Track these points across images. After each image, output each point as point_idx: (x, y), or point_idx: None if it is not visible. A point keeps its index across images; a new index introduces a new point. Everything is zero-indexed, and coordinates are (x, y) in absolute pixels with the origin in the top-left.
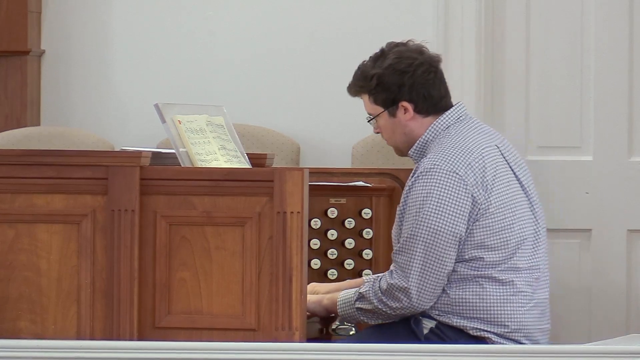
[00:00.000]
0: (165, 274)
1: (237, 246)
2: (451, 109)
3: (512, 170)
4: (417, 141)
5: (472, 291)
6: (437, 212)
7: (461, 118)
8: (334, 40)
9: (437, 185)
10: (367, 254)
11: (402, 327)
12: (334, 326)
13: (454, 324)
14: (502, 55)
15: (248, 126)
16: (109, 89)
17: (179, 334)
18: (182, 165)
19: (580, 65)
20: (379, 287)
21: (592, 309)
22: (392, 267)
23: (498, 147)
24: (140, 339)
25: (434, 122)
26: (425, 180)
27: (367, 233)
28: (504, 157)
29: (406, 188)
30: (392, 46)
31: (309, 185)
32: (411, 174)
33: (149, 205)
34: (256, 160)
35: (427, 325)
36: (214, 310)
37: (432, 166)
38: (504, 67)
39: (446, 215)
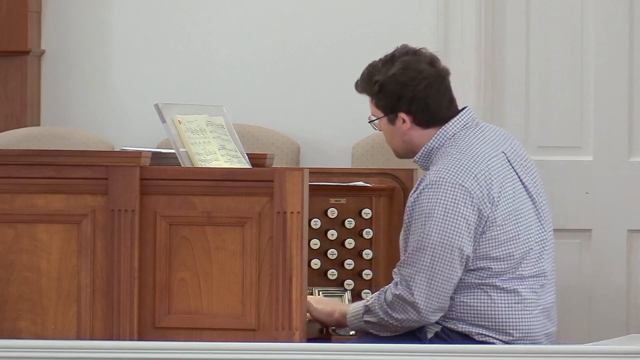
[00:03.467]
0: (165, 274)
1: (237, 246)
2: (457, 116)
3: (519, 177)
4: (423, 148)
5: (478, 298)
6: (443, 225)
7: (467, 125)
8: (334, 40)
9: (442, 198)
10: (367, 254)
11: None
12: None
13: (460, 329)
14: (502, 56)
15: (248, 126)
16: (109, 89)
17: (179, 334)
18: (182, 165)
19: (580, 65)
20: (384, 298)
21: (592, 309)
22: (396, 279)
23: (505, 154)
24: (140, 339)
25: (440, 130)
26: (431, 193)
27: (367, 233)
28: (511, 165)
29: (411, 199)
30: (402, 53)
31: (309, 185)
32: (416, 186)
33: (149, 205)
34: (256, 160)
35: (432, 329)
36: (214, 310)
37: (438, 179)
38: (504, 67)
39: (452, 229)
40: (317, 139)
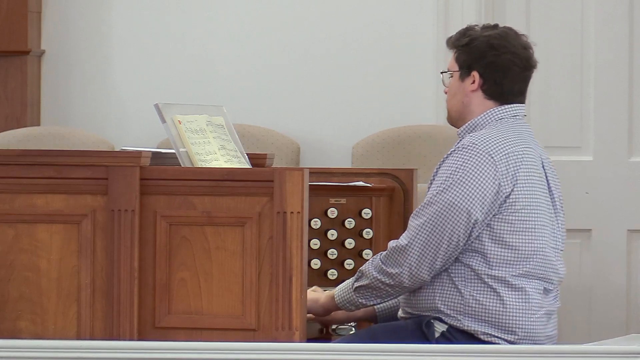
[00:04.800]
0: (165, 274)
1: (237, 246)
2: (512, 105)
3: (549, 184)
4: (471, 121)
5: (485, 293)
6: (460, 187)
7: (517, 117)
8: (334, 40)
9: (469, 162)
10: (367, 254)
11: (413, 329)
12: (334, 326)
13: (465, 327)
14: None
15: (248, 126)
16: (109, 89)
17: (179, 334)
18: (182, 165)
19: (580, 65)
20: (380, 257)
21: (592, 309)
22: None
23: (541, 158)
24: (140, 339)
25: (492, 109)
26: (460, 155)
27: (367, 233)
28: (544, 169)
29: (441, 160)
30: (505, 26)
31: (309, 185)
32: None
33: (149, 205)
34: (256, 160)
35: (439, 329)
36: (214, 310)
37: (471, 144)
38: None
39: (467, 193)
40: (317, 139)
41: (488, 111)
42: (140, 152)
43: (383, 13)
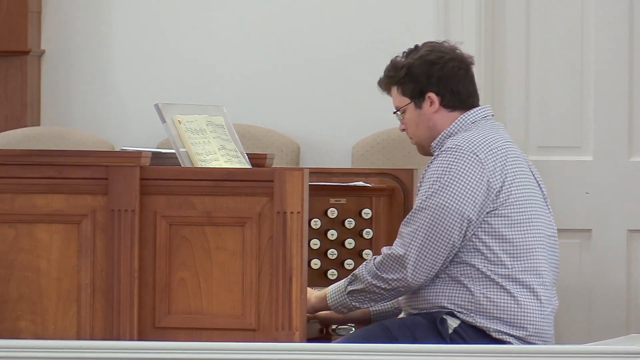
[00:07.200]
0: (165, 274)
1: (237, 246)
2: (479, 107)
3: (533, 174)
4: (442, 132)
5: (496, 291)
6: (449, 189)
7: (487, 117)
8: (334, 40)
9: (455, 163)
10: (367, 254)
11: (427, 325)
12: (334, 326)
13: (477, 324)
14: (502, 56)
15: (248, 126)
16: (109, 89)
17: (179, 334)
18: (182, 165)
19: (580, 65)
20: (374, 262)
21: (592, 309)
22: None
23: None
24: (140, 339)
25: (460, 117)
26: (445, 158)
27: (367, 233)
28: (527, 163)
29: (426, 167)
30: (424, 43)
31: (309, 185)
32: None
33: (149, 205)
34: (256, 160)
35: (452, 325)
36: (214, 310)
37: (454, 146)
38: (504, 67)
39: (457, 194)
40: (317, 139)
41: (458, 119)
42: (140, 152)
43: (383, 13)
